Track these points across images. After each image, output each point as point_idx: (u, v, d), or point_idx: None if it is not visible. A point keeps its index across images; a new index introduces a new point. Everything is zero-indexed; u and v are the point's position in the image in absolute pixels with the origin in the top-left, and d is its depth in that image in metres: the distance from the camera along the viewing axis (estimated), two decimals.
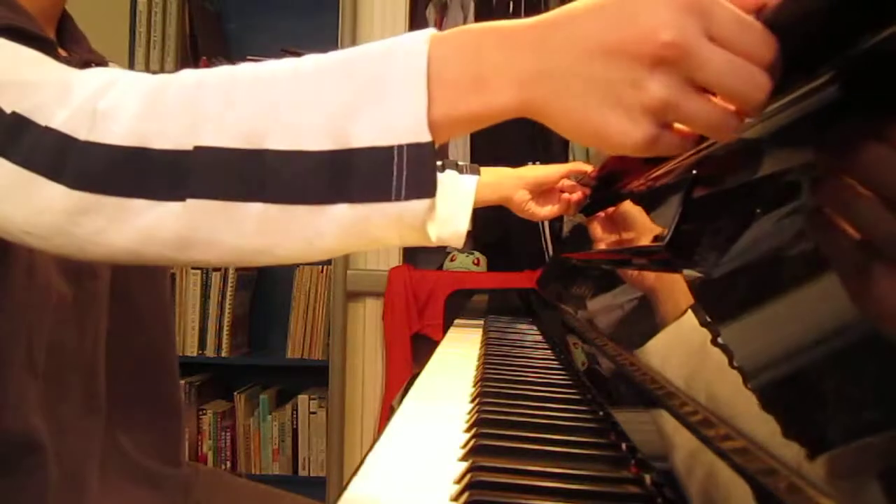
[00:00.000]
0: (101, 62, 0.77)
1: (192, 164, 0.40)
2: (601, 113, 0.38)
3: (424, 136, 0.38)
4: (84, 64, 0.73)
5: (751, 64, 0.37)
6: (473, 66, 0.40)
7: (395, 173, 0.38)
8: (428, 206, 0.39)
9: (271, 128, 0.40)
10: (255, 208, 0.39)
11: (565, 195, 1.06)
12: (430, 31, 0.41)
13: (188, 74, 0.44)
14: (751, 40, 0.37)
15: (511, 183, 1.07)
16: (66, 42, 0.75)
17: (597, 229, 0.93)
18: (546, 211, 1.08)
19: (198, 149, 0.40)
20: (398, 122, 0.39)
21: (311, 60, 0.42)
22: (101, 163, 0.40)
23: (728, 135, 0.39)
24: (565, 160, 2.02)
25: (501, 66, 0.40)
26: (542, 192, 1.07)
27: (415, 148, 0.38)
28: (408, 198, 0.39)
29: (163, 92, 0.42)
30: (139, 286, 0.76)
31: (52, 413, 0.63)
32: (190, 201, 0.39)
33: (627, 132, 0.37)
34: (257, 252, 0.41)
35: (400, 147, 0.38)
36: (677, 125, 0.39)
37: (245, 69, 0.44)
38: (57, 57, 0.68)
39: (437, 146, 0.39)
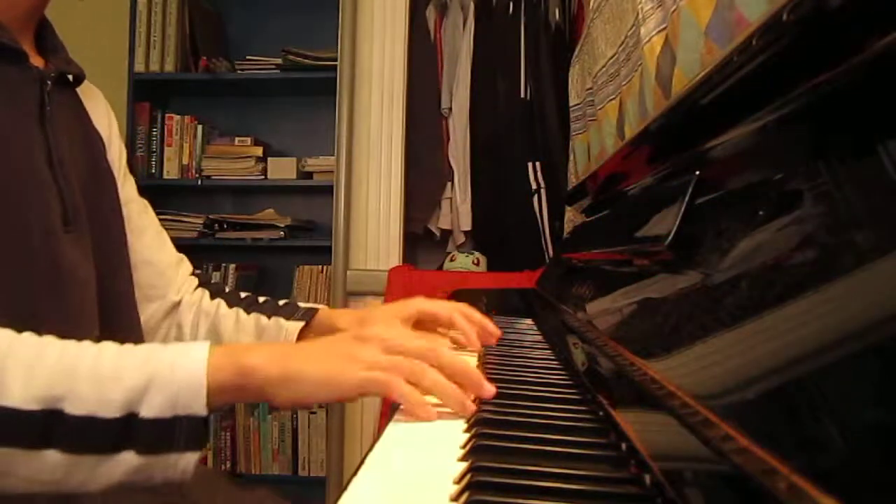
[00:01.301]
0: (78, 73, 0.77)
1: None
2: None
3: (202, 411, 0.51)
4: (59, 75, 0.73)
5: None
6: (240, 357, 0.55)
7: (175, 436, 0.51)
8: (199, 454, 0.52)
9: (69, 396, 0.49)
10: (51, 455, 0.48)
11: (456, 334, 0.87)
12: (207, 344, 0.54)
13: (12, 340, 0.51)
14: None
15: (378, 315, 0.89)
16: (44, 51, 0.75)
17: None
18: None
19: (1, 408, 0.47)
20: (182, 401, 0.51)
21: (112, 348, 0.53)
22: None
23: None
24: (565, 160, 2.02)
25: (260, 353, 0.56)
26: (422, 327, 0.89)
27: (193, 419, 0.51)
28: (184, 450, 0.51)
29: None
30: (118, 300, 0.77)
31: None
32: None
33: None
34: (51, 483, 0.49)
35: (181, 418, 0.51)
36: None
37: (55, 346, 0.52)
38: (28, 68, 0.69)
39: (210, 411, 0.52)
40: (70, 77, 0.76)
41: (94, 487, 0.51)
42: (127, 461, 0.50)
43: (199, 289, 0.95)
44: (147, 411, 0.50)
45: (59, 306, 0.67)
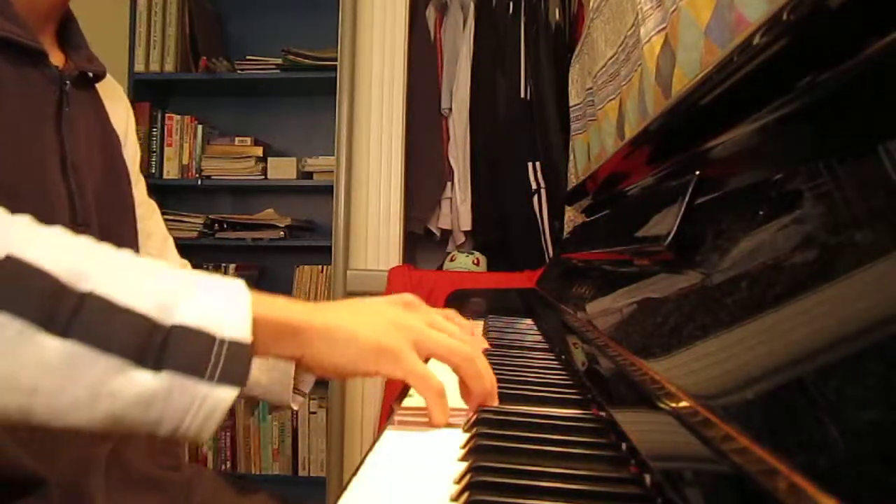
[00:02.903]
0: (99, 71, 0.76)
1: None
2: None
3: (246, 336, 0.42)
4: (80, 73, 0.72)
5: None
6: (277, 301, 0.48)
7: (212, 358, 0.40)
8: (235, 395, 0.41)
9: (100, 273, 0.39)
10: (54, 344, 0.36)
11: None
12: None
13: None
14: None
15: None
16: (66, 47, 0.74)
17: None
18: None
19: (8, 258, 0.37)
20: (225, 317, 0.42)
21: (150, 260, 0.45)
22: None
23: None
24: (565, 160, 2.02)
25: (298, 304, 0.50)
26: None
27: (236, 344, 0.41)
28: (219, 382, 0.40)
29: None
30: None
31: (56, 446, 0.62)
32: None
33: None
34: (26, 393, 0.37)
35: (222, 339, 0.41)
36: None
37: (85, 238, 0.43)
38: (47, 67, 0.68)
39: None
40: (90, 74, 0.75)
41: (83, 418, 0.38)
42: (141, 383, 0.38)
43: None
44: (184, 316, 0.40)
45: None
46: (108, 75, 0.79)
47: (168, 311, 0.40)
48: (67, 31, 0.74)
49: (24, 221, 0.41)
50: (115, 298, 0.39)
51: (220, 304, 0.42)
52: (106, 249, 0.43)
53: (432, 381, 0.53)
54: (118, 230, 0.75)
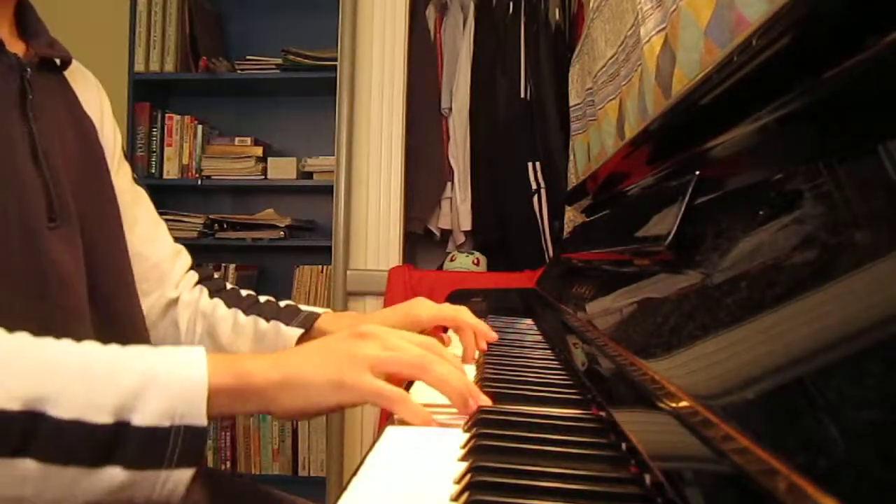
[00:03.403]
0: (63, 56, 0.74)
1: None
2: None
3: (201, 421, 0.47)
4: (42, 60, 0.70)
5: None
6: (238, 362, 0.53)
7: (169, 449, 0.46)
8: (192, 473, 0.47)
9: (55, 397, 0.43)
10: (27, 464, 0.42)
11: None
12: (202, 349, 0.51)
13: None
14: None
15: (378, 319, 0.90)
16: (26, 34, 0.72)
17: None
18: None
19: None
20: (179, 407, 0.46)
21: (101, 347, 0.49)
22: None
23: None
24: (565, 159, 2.02)
25: (257, 359, 0.54)
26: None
27: (191, 429, 0.46)
28: (177, 466, 0.46)
29: None
30: (115, 292, 0.75)
31: None
32: None
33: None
34: (15, 500, 0.43)
35: (178, 428, 0.46)
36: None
37: (35, 343, 0.47)
38: (5, 55, 0.66)
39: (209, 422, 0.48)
40: (57, 61, 0.73)
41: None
42: (111, 476, 0.44)
43: (198, 286, 0.92)
44: (141, 419, 0.45)
45: (40, 305, 0.64)
46: (76, 62, 0.77)
47: (125, 414, 0.45)
48: (25, 19, 0.73)
49: None
50: (73, 417, 0.44)
51: (175, 395, 0.47)
52: (63, 357, 0.46)
53: (389, 393, 0.55)
54: (98, 218, 0.73)
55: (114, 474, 0.44)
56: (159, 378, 0.47)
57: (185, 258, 0.92)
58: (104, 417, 0.44)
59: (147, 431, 0.45)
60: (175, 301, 0.89)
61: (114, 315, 0.74)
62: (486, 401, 0.57)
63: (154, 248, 0.87)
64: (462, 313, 0.86)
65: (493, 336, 0.87)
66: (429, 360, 0.57)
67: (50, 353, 0.46)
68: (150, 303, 0.86)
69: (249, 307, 0.90)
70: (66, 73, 0.76)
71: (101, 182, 0.76)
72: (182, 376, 0.48)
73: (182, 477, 0.46)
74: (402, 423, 0.57)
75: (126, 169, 0.86)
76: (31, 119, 0.66)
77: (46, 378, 0.44)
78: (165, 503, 0.46)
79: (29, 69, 0.68)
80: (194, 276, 0.92)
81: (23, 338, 0.47)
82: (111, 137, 0.82)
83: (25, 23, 0.73)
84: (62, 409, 0.43)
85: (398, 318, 0.86)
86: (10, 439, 0.42)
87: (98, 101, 0.82)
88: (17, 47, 0.70)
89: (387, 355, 0.57)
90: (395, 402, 0.55)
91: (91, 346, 0.49)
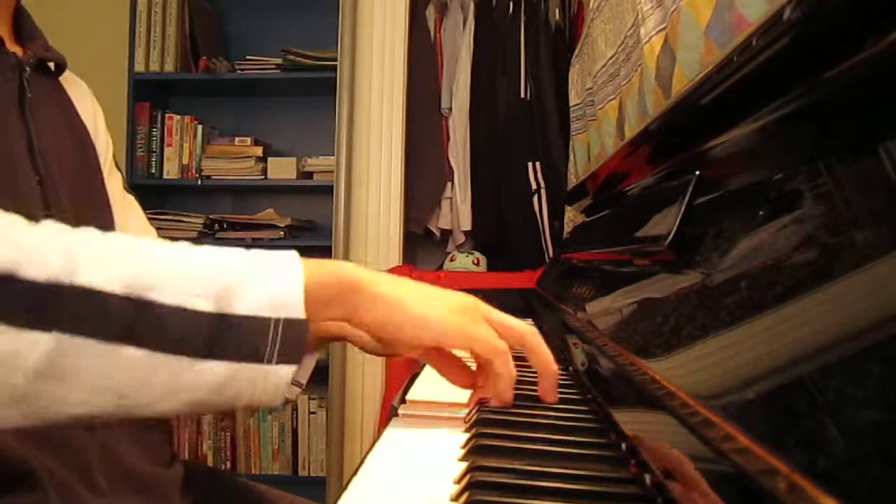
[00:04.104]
0: (59, 60, 0.75)
1: (66, 300, 0.39)
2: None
3: (300, 314, 0.46)
4: (39, 62, 0.71)
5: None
6: (337, 265, 0.51)
7: (269, 342, 0.45)
8: (293, 371, 0.46)
9: (157, 283, 0.42)
10: (130, 352, 0.41)
11: None
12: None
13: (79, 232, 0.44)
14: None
15: None
16: (22, 39, 0.73)
17: None
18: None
19: (76, 288, 0.40)
20: (278, 299, 0.45)
21: (192, 247, 0.47)
22: None
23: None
24: (565, 160, 2.02)
25: (361, 271, 0.52)
26: None
27: (291, 322, 0.45)
28: (278, 362, 0.45)
29: (45, 227, 0.42)
30: None
31: (46, 435, 0.62)
32: (57, 334, 0.39)
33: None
34: (118, 396, 0.42)
35: (277, 320, 0.45)
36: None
37: (131, 238, 0.46)
38: (4, 54, 0.67)
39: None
40: (52, 66, 0.74)
41: (169, 406, 0.43)
42: (214, 372, 0.43)
43: None
44: (241, 307, 0.44)
45: None
46: (69, 72, 0.78)
47: (225, 304, 0.44)
48: (21, 24, 0.74)
49: (78, 239, 0.43)
50: (176, 303, 0.43)
51: (273, 289, 0.45)
52: (159, 249, 0.46)
53: (503, 350, 0.56)
54: (91, 217, 0.73)
55: (217, 369, 0.43)
56: (258, 270, 0.46)
57: None
58: (206, 305, 0.43)
59: (248, 320, 0.44)
60: None
61: None
62: (555, 397, 0.60)
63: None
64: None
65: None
66: (535, 336, 0.58)
67: (148, 246, 0.46)
68: None
69: None
70: (61, 80, 0.77)
71: (94, 183, 0.77)
72: (281, 269, 0.47)
73: (284, 375, 0.45)
74: (407, 417, 0.57)
75: (118, 176, 0.86)
76: (28, 118, 0.67)
77: (148, 265, 0.43)
78: (270, 402, 0.46)
79: (27, 69, 0.69)
80: None
81: (118, 235, 0.46)
82: (104, 145, 0.83)
83: (22, 27, 0.74)
84: (165, 294, 0.42)
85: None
86: (113, 323, 0.41)
87: (92, 109, 0.83)
88: (14, 49, 0.71)
89: (497, 316, 0.57)
90: (497, 351, 0.55)
91: (187, 245, 0.47)
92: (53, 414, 0.40)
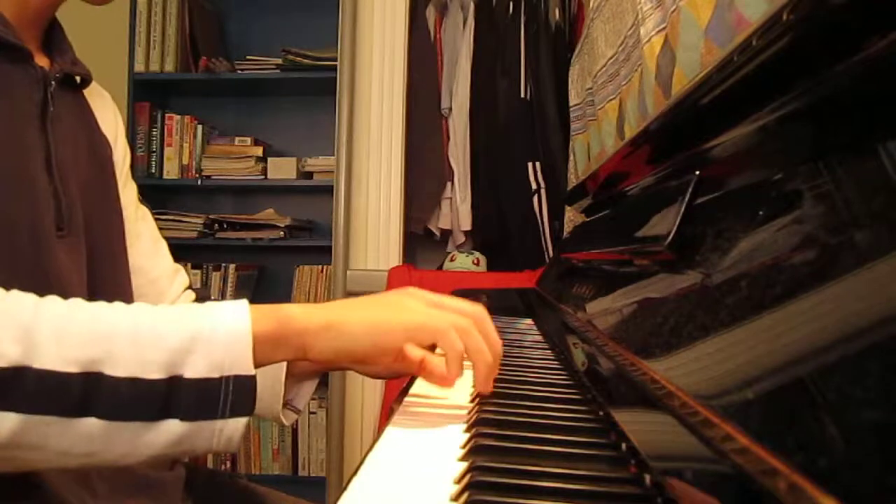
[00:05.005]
0: (85, 75, 0.76)
1: (26, 384, 0.44)
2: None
3: (248, 370, 0.49)
4: (65, 76, 0.72)
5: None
6: (279, 308, 0.55)
7: (220, 399, 0.48)
8: (245, 422, 0.49)
9: (111, 357, 0.46)
10: (90, 423, 0.45)
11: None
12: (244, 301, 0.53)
13: (42, 303, 0.48)
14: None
15: None
16: (51, 51, 0.74)
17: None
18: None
19: (28, 369, 0.44)
20: (227, 359, 0.49)
21: (146, 307, 0.51)
22: None
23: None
24: (565, 160, 2.02)
25: (299, 306, 0.56)
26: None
27: (240, 379, 0.49)
28: (231, 416, 0.48)
29: (4, 306, 0.46)
30: (124, 297, 0.75)
31: None
32: (21, 414, 0.44)
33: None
34: (85, 456, 0.46)
35: (228, 378, 0.48)
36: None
37: (85, 308, 0.49)
38: (32, 67, 0.68)
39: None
40: (77, 79, 0.75)
41: (133, 460, 0.48)
42: (170, 430, 0.47)
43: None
44: (192, 372, 0.47)
45: None
46: (94, 83, 0.79)
47: (177, 370, 0.47)
48: (53, 37, 0.74)
49: (37, 319, 0.46)
50: (129, 375, 0.46)
51: (222, 348, 0.49)
52: (113, 320, 0.48)
53: (446, 332, 0.58)
54: (103, 231, 0.74)
55: (172, 427, 0.47)
56: (204, 333, 0.49)
57: (183, 277, 0.93)
58: (157, 374, 0.47)
59: (199, 384, 0.47)
60: None
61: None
62: (489, 389, 0.60)
63: (154, 264, 0.88)
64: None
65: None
66: (470, 325, 0.59)
67: (101, 317, 0.48)
68: None
69: None
70: (85, 92, 0.78)
71: (108, 197, 0.78)
72: (227, 329, 0.49)
73: (237, 426, 0.49)
74: (405, 414, 0.57)
75: (132, 187, 0.87)
76: (48, 131, 0.68)
77: (100, 341, 0.46)
78: (225, 449, 0.49)
79: (53, 83, 0.69)
80: (191, 294, 0.93)
81: (75, 303, 0.49)
82: (121, 156, 0.84)
83: (52, 39, 0.74)
84: (118, 368, 0.46)
85: None
86: (72, 400, 0.45)
87: (114, 121, 0.84)
88: (42, 62, 0.71)
89: (432, 310, 0.58)
90: (439, 333, 0.57)
91: (139, 308, 0.51)
92: (30, 468, 0.46)
